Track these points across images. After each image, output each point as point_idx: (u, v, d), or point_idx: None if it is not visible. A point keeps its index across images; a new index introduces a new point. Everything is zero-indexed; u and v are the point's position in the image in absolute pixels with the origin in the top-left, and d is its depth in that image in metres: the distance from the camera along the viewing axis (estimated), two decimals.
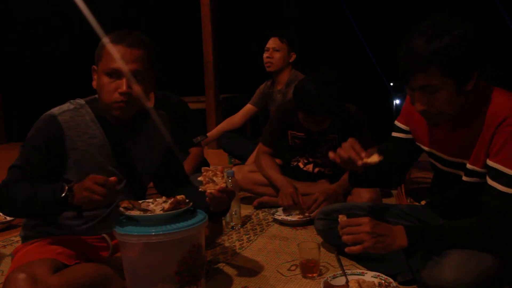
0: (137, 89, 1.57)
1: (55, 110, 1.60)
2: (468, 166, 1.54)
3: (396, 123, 1.80)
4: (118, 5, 5.45)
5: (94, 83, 1.63)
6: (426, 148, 1.71)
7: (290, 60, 3.43)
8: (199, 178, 1.55)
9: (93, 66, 1.63)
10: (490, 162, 1.46)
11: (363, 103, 2.87)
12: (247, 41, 5.55)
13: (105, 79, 1.56)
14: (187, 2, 5.29)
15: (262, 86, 3.71)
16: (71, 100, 1.66)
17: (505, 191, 1.42)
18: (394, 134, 1.80)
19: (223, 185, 1.52)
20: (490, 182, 1.46)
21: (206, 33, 4.90)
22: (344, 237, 1.50)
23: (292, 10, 5.75)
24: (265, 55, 3.44)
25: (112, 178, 1.40)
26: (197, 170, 2.80)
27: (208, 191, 1.51)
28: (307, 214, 2.47)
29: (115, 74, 1.55)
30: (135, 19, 5.48)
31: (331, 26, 5.28)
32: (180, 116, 2.85)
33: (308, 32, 5.23)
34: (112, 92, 1.56)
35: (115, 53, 1.54)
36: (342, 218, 1.55)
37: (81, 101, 1.66)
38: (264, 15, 5.60)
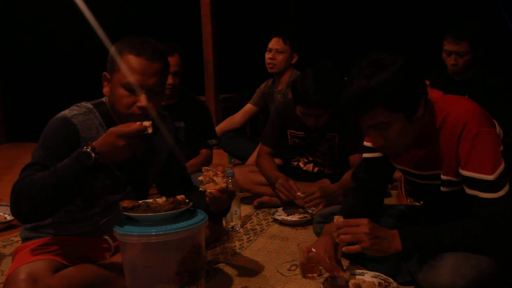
0: (155, 101, 1.56)
1: (67, 112, 1.56)
2: (443, 177, 1.56)
3: (365, 143, 1.80)
4: (118, 5, 5.44)
5: (105, 90, 1.59)
6: (399, 166, 1.74)
7: (293, 62, 3.42)
8: (200, 178, 1.55)
9: (105, 73, 1.58)
10: (463, 172, 1.47)
11: None
12: (247, 41, 5.55)
13: (122, 92, 1.52)
14: (187, 2, 5.29)
15: (262, 86, 3.70)
16: (78, 104, 1.62)
17: (487, 197, 1.42)
18: (365, 155, 1.81)
19: (224, 185, 1.51)
20: (469, 191, 1.47)
21: (206, 33, 4.90)
22: (342, 237, 1.49)
23: (292, 10, 5.75)
24: (268, 56, 3.41)
25: (138, 125, 1.36)
26: (199, 170, 2.83)
27: (208, 190, 1.51)
28: (306, 206, 2.46)
29: (135, 87, 1.51)
30: (135, 19, 5.48)
31: (332, 26, 5.28)
32: (201, 116, 2.99)
33: (308, 32, 5.23)
34: (130, 105, 1.52)
35: (136, 67, 1.50)
36: (338, 218, 1.55)
37: (89, 105, 1.62)
38: (264, 15, 5.59)
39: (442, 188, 1.58)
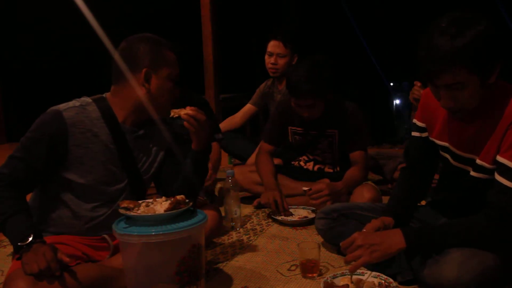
0: None
1: (61, 106, 1.61)
2: (478, 161, 1.56)
3: (414, 121, 1.81)
4: (118, 5, 5.45)
5: (148, 87, 1.65)
6: (440, 143, 1.72)
7: (293, 63, 3.42)
8: (171, 115, 1.66)
9: (147, 69, 1.64)
10: (499, 158, 1.48)
11: (363, 103, 2.88)
12: (247, 41, 5.55)
13: (171, 84, 1.69)
14: (187, 2, 5.30)
15: (262, 86, 3.70)
16: (77, 98, 1.67)
17: (510, 185, 1.44)
18: (413, 133, 1.82)
19: (190, 108, 1.64)
20: (497, 177, 1.48)
21: (206, 33, 4.90)
22: (344, 259, 1.60)
23: (292, 10, 5.75)
24: (270, 60, 3.39)
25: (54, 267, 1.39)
26: (217, 167, 2.91)
27: (182, 113, 1.62)
28: (284, 216, 2.48)
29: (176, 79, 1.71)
30: (135, 19, 5.48)
31: (332, 27, 5.29)
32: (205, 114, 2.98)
33: (308, 32, 5.23)
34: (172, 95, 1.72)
35: (175, 61, 1.70)
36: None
37: (88, 99, 1.67)
38: (264, 15, 5.60)
39: (472, 173, 1.58)
